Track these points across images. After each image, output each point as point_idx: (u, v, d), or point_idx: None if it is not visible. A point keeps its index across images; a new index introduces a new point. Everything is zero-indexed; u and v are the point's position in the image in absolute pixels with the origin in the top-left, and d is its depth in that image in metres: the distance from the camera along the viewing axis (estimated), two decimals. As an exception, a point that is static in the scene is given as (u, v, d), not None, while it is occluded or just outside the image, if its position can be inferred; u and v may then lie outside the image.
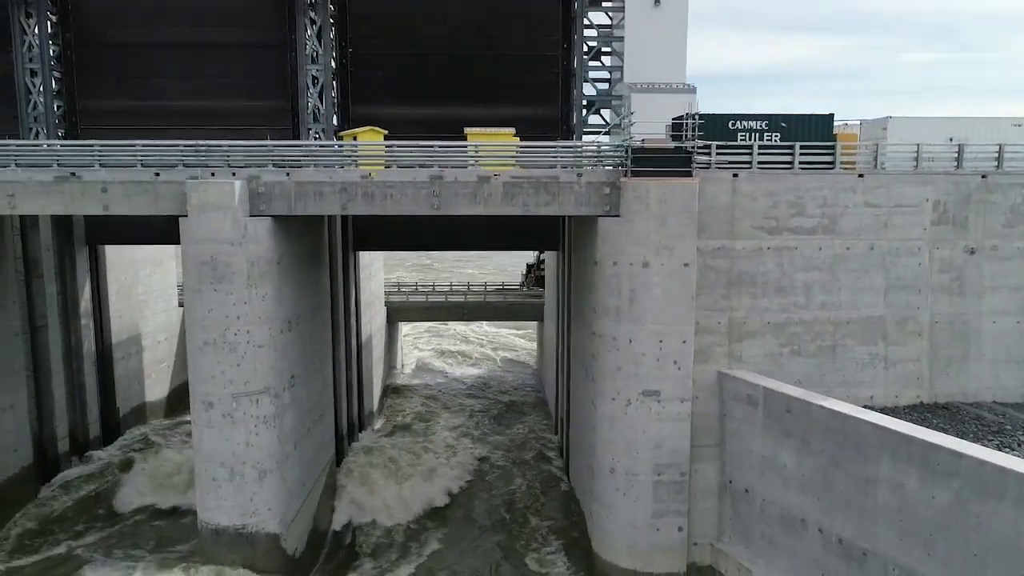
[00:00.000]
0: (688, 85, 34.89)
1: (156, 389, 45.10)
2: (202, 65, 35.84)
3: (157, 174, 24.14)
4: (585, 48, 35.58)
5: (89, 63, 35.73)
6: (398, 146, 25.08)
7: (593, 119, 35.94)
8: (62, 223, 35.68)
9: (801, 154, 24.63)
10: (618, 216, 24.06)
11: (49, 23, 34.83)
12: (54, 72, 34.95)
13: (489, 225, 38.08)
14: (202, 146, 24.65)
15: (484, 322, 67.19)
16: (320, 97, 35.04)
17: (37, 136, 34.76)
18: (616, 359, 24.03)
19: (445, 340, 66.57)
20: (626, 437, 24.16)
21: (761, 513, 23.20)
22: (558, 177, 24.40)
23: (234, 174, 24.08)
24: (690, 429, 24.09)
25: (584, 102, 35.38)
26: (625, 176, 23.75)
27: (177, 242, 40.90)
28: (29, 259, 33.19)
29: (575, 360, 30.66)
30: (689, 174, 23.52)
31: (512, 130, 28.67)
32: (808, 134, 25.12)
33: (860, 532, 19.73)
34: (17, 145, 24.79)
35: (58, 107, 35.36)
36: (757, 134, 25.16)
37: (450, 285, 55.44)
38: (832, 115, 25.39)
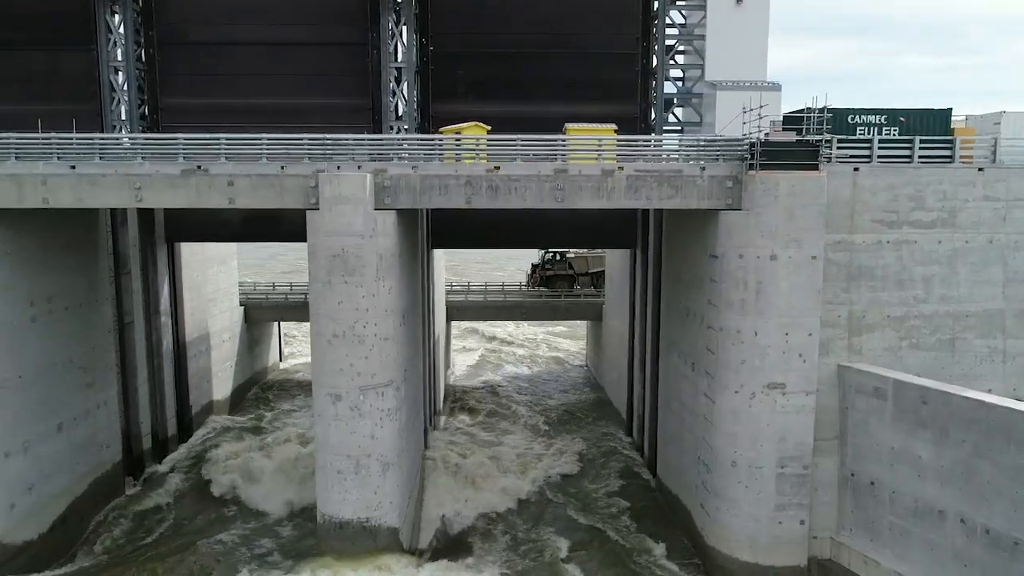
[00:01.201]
0: (773, 83, 35.13)
1: (222, 387, 45.15)
2: (283, 63, 35.84)
3: (283, 167, 24.19)
4: (665, 46, 35.79)
5: (171, 61, 35.78)
6: (522, 140, 25.14)
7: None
8: (146, 220, 35.75)
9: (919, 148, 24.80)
10: (739, 209, 24.19)
11: (134, 21, 34.99)
12: (137, 70, 35.07)
13: (565, 222, 38.41)
14: (328, 140, 24.72)
15: (525, 322, 67.31)
16: (403, 95, 35.23)
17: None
18: (740, 352, 24.10)
19: (483, 339, 66.81)
20: (750, 430, 24.22)
21: (890, 505, 23.24)
22: (681, 171, 24.50)
23: (359, 167, 24.16)
24: (813, 422, 24.16)
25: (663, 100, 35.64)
26: (751, 170, 23.86)
27: (250, 240, 41.61)
28: (119, 256, 33.22)
29: (672, 356, 30.66)
30: (815, 167, 23.62)
31: (613, 126, 28.86)
32: (926, 128, 25.27)
33: (1010, 522, 19.78)
34: (145, 139, 24.82)
35: (139, 105, 35.44)
36: (876, 128, 25.29)
37: (501, 285, 55.62)
38: (950, 110, 25.59)
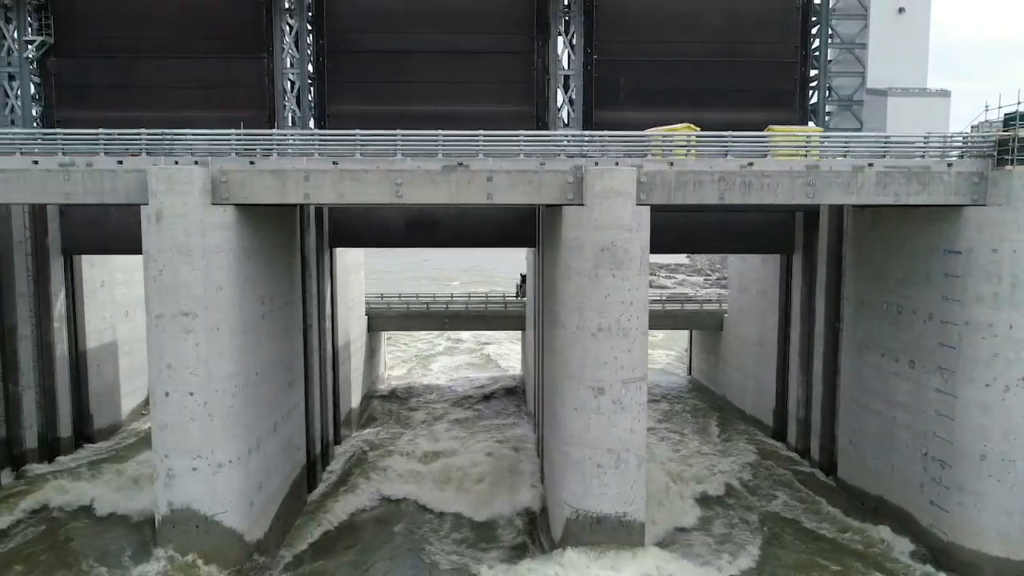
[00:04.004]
0: (942, 90, 35.84)
1: (355, 396, 45.08)
2: (449, 71, 36.45)
3: (542, 163, 24.51)
4: (829, 55, 36.50)
5: (340, 69, 36.31)
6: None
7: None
8: (320, 225, 35.99)
9: None
10: (983, 205, 24.60)
11: (307, 31, 35.55)
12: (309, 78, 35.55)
13: (715, 226, 38.99)
14: (585, 136, 25.09)
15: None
16: (568, 102, 35.77)
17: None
18: (992, 346, 24.35)
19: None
20: (1002, 424, 24.38)
21: None
22: (929, 167, 24.93)
23: (616, 163, 24.52)
24: (1066, 414, 24.34)
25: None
26: (1003, 165, 24.29)
27: (410, 245, 41.60)
28: (305, 258, 33.40)
29: (870, 355, 30.71)
30: (1074, 161, 24.05)
31: (814, 126, 29.41)
32: None
33: None
34: (403, 135, 25.13)
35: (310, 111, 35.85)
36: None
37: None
38: None
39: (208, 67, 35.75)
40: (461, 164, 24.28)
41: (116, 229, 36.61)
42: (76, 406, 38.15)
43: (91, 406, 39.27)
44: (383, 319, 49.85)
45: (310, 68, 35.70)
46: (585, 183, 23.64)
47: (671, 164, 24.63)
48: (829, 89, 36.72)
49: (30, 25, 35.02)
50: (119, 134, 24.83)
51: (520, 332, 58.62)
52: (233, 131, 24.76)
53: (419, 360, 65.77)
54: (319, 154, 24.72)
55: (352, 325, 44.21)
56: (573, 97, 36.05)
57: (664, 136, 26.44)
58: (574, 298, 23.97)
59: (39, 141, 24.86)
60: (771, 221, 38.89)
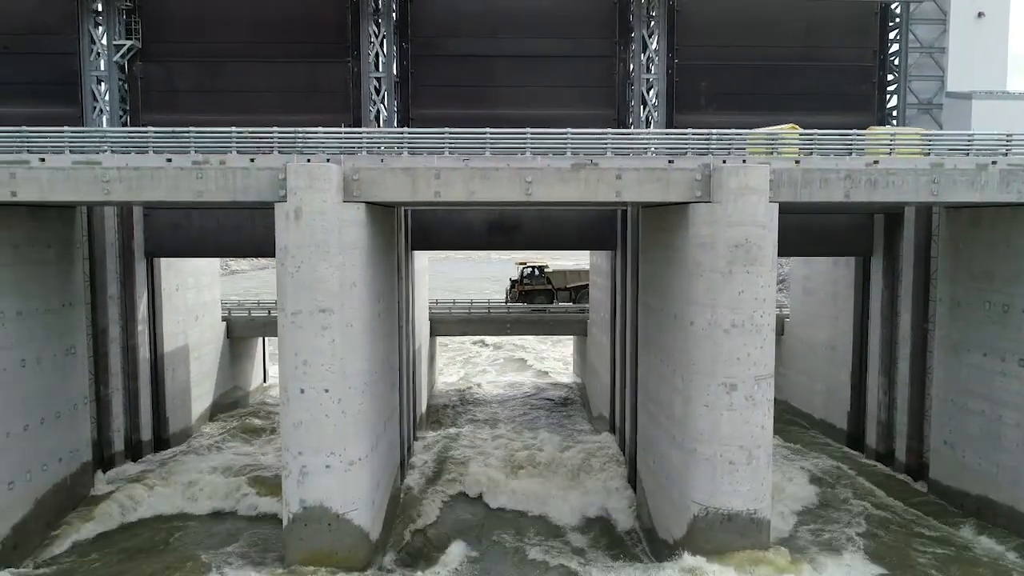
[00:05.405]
0: (1024, 92, 36.21)
1: (424, 399, 45.13)
2: (532, 75, 36.76)
3: (671, 161, 24.71)
4: (909, 60, 36.87)
5: (424, 73, 36.58)
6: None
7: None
8: (406, 226, 36.13)
9: None
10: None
11: (394, 36, 35.82)
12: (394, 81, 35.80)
13: (792, 229, 39.03)
14: (714, 135, 25.32)
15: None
16: (652, 106, 36.05)
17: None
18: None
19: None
20: None
21: None
22: (1053, 164, 25.21)
23: (743, 161, 24.72)
24: None
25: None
26: None
27: (489, 248, 41.63)
28: (399, 260, 33.52)
29: (974, 355, 30.63)
30: None
31: (920, 129, 29.67)
32: None
33: None
34: (533, 134, 25.32)
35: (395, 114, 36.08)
36: None
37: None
38: None
39: (291, 71, 35.99)
40: (591, 161, 24.44)
41: (198, 233, 36.81)
42: (155, 410, 38.11)
43: (167, 410, 39.22)
44: (444, 323, 49.86)
45: (394, 72, 35.95)
46: (716, 180, 23.80)
47: (797, 162, 24.85)
48: (908, 92, 37.11)
49: (119, 30, 35.25)
50: (250, 132, 24.96)
51: (572, 337, 58.86)
52: (364, 129, 24.94)
53: (463, 362, 66.41)
54: (449, 151, 24.89)
55: (422, 328, 44.29)
56: (655, 101, 36.33)
57: (783, 135, 26.71)
58: (706, 295, 24.04)
59: (170, 139, 24.93)
60: (849, 224, 39.04)
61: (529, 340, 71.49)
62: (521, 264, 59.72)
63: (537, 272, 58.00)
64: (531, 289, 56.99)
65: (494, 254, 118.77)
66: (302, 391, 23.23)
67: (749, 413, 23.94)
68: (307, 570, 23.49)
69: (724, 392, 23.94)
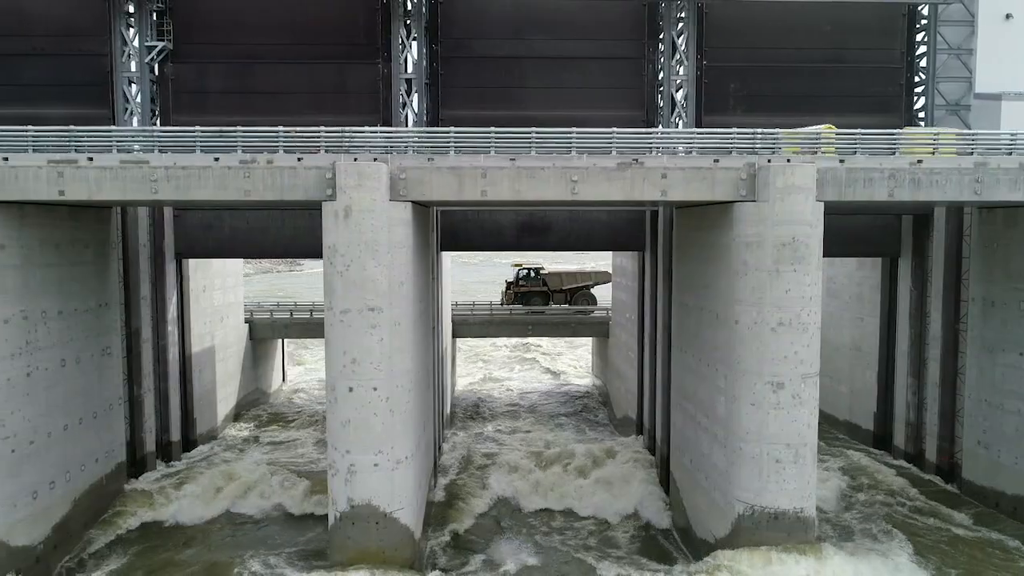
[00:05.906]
0: (1056, 93, 36.37)
1: (448, 399, 45.16)
2: (561, 76, 36.84)
3: (716, 160, 24.79)
4: (937, 61, 37.00)
5: (454, 74, 36.67)
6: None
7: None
8: (437, 227, 36.18)
9: None
10: None
11: (424, 37, 35.91)
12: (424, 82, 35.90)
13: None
14: (758, 134, 25.42)
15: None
16: (681, 108, 36.16)
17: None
18: None
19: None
20: None
21: None
22: (1102, 164, 25.28)
23: (788, 160, 24.80)
24: None
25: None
26: None
27: (518, 249, 41.70)
28: (432, 260, 33.53)
29: (1009, 355, 30.84)
30: None
31: (956, 130, 29.80)
32: None
33: None
34: (579, 134, 25.40)
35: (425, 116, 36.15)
36: None
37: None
38: None
39: (321, 73, 36.06)
40: (636, 160, 24.52)
41: (229, 234, 36.86)
42: (183, 410, 38.11)
43: (195, 411, 39.22)
44: (466, 325, 49.90)
45: (424, 73, 36.05)
46: (762, 179, 23.87)
47: (842, 161, 24.93)
48: (936, 93, 37.23)
49: (150, 31, 35.34)
50: (298, 131, 25.03)
51: (592, 339, 58.83)
52: (412, 128, 25.01)
53: (478, 363, 66.49)
54: (495, 151, 24.97)
55: (446, 330, 44.33)
56: (684, 103, 36.44)
57: (825, 134, 26.81)
58: (752, 294, 24.07)
59: (216, 137, 24.99)
60: (876, 225, 39.11)
61: (543, 342, 71.61)
62: (517, 266, 59.63)
63: (533, 274, 57.94)
64: (527, 291, 56.91)
65: (495, 256, 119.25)
66: (351, 389, 23.23)
67: (796, 411, 23.97)
68: (356, 569, 23.46)
69: (771, 391, 23.96)
